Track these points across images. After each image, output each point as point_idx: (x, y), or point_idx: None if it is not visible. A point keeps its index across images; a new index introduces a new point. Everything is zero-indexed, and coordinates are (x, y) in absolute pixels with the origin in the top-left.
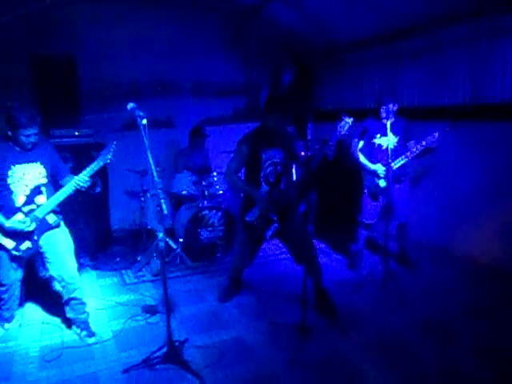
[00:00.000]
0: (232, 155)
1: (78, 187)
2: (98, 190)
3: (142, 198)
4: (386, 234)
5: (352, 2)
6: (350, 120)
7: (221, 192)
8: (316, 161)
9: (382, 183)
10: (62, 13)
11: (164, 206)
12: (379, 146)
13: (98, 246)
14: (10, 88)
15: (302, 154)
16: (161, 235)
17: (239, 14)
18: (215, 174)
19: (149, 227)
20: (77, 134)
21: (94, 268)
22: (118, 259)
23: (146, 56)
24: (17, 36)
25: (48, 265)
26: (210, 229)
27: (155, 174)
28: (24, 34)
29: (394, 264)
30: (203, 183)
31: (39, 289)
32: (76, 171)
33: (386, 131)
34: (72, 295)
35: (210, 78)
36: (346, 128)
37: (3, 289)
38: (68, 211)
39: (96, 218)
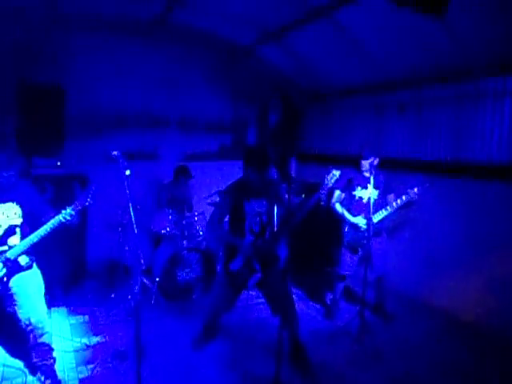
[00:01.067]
0: (215, 205)
1: (63, 221)
2: (76, 221)
3: (121, 233)
4: (364, 287)
5: (343, 52)
6: (337, 173)
7: (201, 233)
8: (304, 211)
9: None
10: (52, 42)
11: (142, 261)
12: (360, 198)
13: (72, 280)
14: None
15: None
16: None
17: (231, 51)
18: (196, 213)
19: (125, 263)
20: (59, 164)
21: (65, 304)
22: (90, 295)
23: (134, 87)
24: (5, 63)
25: (16, 307)
26: (187, 270)
27: (135, 227)
28: (12, 61)
29: (371, 315)
30: (183, 222)
31: (4, 325)
32: (54, 202)
33: (366, 184)
34: (40, 340)
35: (198, 112)
36: (333, 180)
37: None
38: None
39: (71, 250)
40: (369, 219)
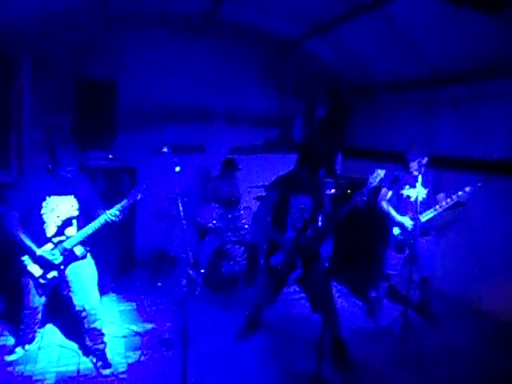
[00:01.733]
0: (262, 199)
1: (108, 221)
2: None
3: (169, 224)
4: (409, 286)
5: (393, 46)
6: (382, 172)
7: (246, 226)
8: (346, 210)
9: (396, 231)
10: (106, 37)
11: (190, 255)
12: (407, 197)
13: (121, 268)
14: (56, 108)
15: (333, 191)
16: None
17: (278, 45)
18: (242, 207)
19: (172, 254)
20: (110, 157)
21: (115, 291)
22: (138, 284)
23: (182, 81)
24: (63, 61)
25: (72, 294)
26: (231, 262)
27: (184, 222)
28: (69, 59)
29: (414, 315)
30: (229, 216)
31: (61, 308)
32: (106, 194)
33: (415, 183)
34: (92, 325)
35: (245, 106)
36: (377, 180)
37: (27, 312)
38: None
39: (121, 240)
40: (416, 218)
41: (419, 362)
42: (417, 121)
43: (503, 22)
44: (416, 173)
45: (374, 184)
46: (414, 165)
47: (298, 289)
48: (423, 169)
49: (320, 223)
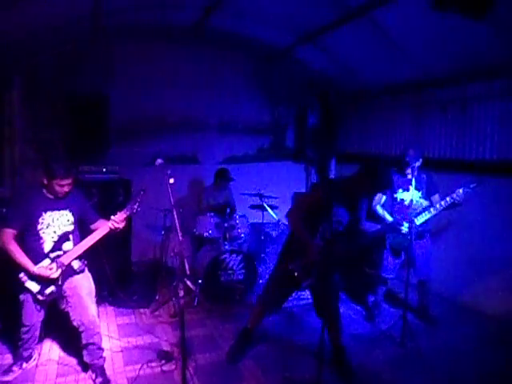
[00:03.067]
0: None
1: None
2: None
3: (164, 235)
4: (407, 290)
5: (382, 51)
6: None
7: (242, 235)
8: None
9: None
10: (97, 51)
11: (187, 266)
12: (402, 200)
13: (118, 281)
14: (48, 123)
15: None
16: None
17: (268, 54)
18: (237, 216)
19: (169, 265)
20: (104, 170)
21: (113, 304)
22: (135, 297)
23: (174, 92)
24: (54, 74)
25: (69, 308)
26: (229, 272)
27: (179, 233)
28: (60, 71)
29: (414, 319)
30: (225, 225)
31: (58, 324)
32: (101, 207)
33: (408, 186)
34: (90, 340)
35: (237, 115)
36: None
37: (25, 329)
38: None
39: (117, 251)
40: (411, 221)
41: (420, 364)
42: (408, 123)
43: (491, 24)
44: (409, 176)
45: None
46: (409, 168)
47: (297, 295)
48: (416, 172)
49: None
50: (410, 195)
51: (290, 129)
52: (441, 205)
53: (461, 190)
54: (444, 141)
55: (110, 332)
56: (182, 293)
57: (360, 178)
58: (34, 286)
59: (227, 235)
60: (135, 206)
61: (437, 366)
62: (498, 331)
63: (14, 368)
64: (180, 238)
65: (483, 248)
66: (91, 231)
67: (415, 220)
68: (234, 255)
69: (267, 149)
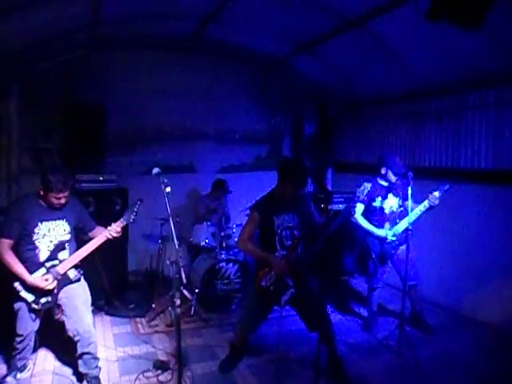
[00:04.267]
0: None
1: (96, 246)
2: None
3: (161, 245)
4: (403, 299)
5: (378, 61)
6: (368, 185)
7: None
8: (337, 223)
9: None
10: (94, 61)
11: (183, 276)
12: (381, 209)
13: (114, 290)
14: (45, 131)
15: (322, 206)
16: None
17: (265, 64)
18: (234, 225)
19: (165, 274)
20: (101, 179)
21: (109, 313)
22: (132, 305)
23: (171, 102)
24: (52, 82)
25: (65, 318)
26: (226, 281)
27: (176, 242)
28: (59, 80)
29: (410, 327)
30: (221, 234)
31: (53, 333)
32: (98, 216)
33: (387, 194)
34: (86, 350)
35: (234, 125)
36: (365, 193)
37: (19, 339)
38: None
39: (114, 260)
40: (393, 229)
41: (418, 373)
42: (404, 133)
43: (484, 34)
44: (385, 183)
45: (361, 197)
46: (392, 176)
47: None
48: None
49: (308, 239)
50: (390, 203)
51: (287, 138)
52: (420, 210)
53: (436, 193)
54: (439, 150)
55: (106, 341)
56: (178, 302)
57: (280, 181)
58: (29, 296)
59: (224, 244)
60: (132, 216)
61: (434, 374)
62: (496, 340)
63: (9, 379)
64: (177, 246)
65: (480, 256)
66: (89, 239)
67: (397, 227)
68: (231, 264)
69: (264, 158)
